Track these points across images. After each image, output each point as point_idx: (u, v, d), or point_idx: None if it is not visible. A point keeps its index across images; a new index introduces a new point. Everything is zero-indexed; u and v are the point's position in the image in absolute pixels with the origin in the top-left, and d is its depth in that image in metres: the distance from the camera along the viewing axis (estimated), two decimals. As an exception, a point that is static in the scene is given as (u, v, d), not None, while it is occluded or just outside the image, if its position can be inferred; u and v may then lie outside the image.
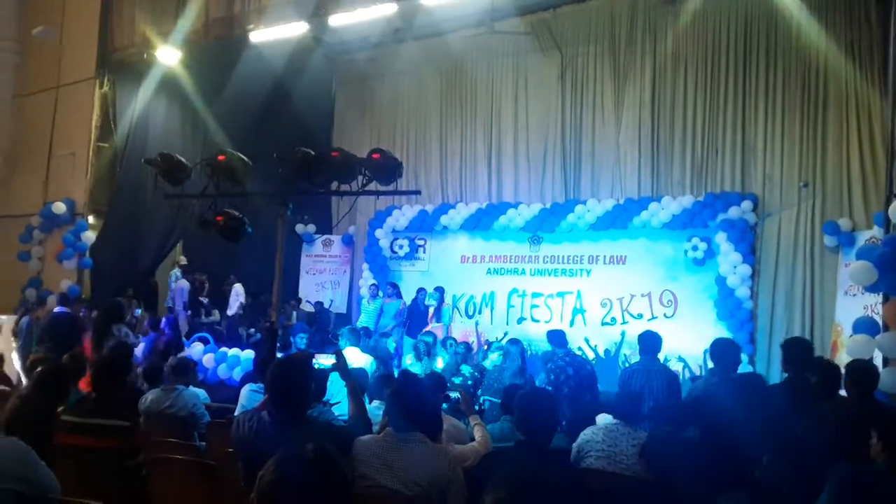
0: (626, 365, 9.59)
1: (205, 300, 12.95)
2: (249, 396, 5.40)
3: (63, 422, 3.93)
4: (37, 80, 13.00)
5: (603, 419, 4.86)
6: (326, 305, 12.93)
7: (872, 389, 4.71)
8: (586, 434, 4.44)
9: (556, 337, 7.14)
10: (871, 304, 7.79)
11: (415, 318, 11.03)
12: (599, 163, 11.40)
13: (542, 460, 3.36)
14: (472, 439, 4.43)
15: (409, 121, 13.23)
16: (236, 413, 5.39)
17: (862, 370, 4.76)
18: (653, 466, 3.63)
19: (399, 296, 11.41)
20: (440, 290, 11.26)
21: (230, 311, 12.70)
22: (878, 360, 6.89)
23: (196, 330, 11.79)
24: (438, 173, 12.87)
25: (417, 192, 10.80)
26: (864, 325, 7.20)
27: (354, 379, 4.04)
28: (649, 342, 6.21)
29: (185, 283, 12.74)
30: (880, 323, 7.00)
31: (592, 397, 6.58)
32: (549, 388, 6.60)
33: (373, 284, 12.08)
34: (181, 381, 5.51)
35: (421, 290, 11.32)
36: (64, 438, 3.84)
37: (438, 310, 11.05)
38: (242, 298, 12.76)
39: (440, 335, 10.07)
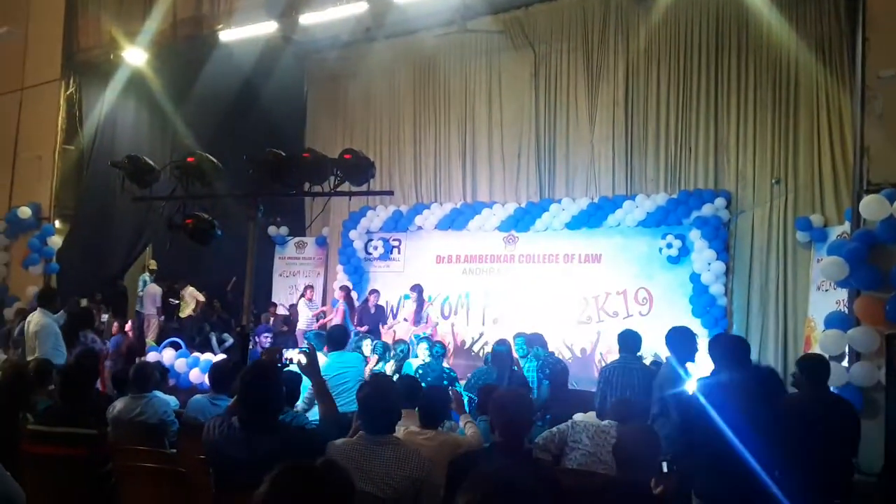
0: (603, 363, 9.63)
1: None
2: (204, 409, 5.25)
3: (30, 431, 3.86)
4: (0, 81, 12.72)
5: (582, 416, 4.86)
6: (301, 308, 12.79)
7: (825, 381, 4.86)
8: (577, 425, 4.45)
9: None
10: (843, 299, 7.85)
11: (366, 319, 10.90)
12: (574, 161, 11.40)
13: (517, 462, 3.33)
14: None
15: (382, 120, 13.14)
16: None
17: (815, 362, 4.91)
18: (622, 464, 3.62)
19: (349, 298, 11.33)
20: (417, 289, 11.10)
21: (182, 314, 12.64)
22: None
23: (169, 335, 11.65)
24: (412, 173, 12.79)
25: (390, 193, 10.72)
26: (836, 320, 7.26)
27: (323, 378, 3.97)
28: (629, 340, 6.28)
29: (156, 288, 12.61)
30: (850, 317, 7.07)
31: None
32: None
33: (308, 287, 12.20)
34: (145, 388, 5.36)
35: (374, 293, 11.29)
36: (31, 447, 3.79)
37: (419, 309, 10.91)
38: (195, 302, 12.75)
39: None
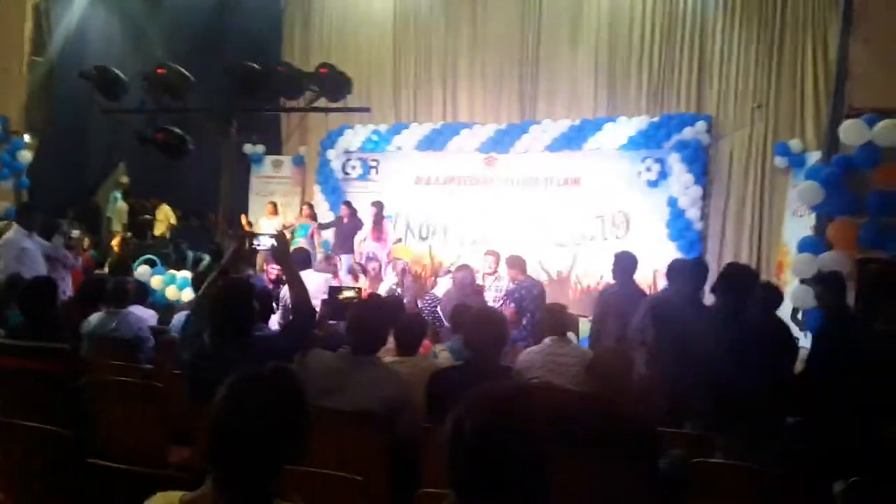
0: (579, 286, 9.81)
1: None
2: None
3: (2, 345, 3.84)
4: (-37, -10, 12.19)
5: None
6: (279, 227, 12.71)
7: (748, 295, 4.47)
8: (524, 358, 4.52)
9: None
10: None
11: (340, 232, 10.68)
12: (556, 82, 11.26)
13: (492, 378, 3.38)
14: None
15: (361, 37, 12.77)
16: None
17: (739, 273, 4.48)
18: (599, 382, 3.68)
19: (313, 217, 11.17)
20: (378, 205, 10.43)
21: (157, 232, 12.57)
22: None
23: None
24: (391, 93, 12.54)
25: (367, 110, 10.49)
26: (809, 245, 7.28)
27: (294, 264, 3.92)
28: (627, 263, 5.90)
29: (124, 206, 12.50)
30: (821, 241, 7.12)
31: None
32: None
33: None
34: (122, 304, 5.35)
35: (346, 203, 10.89)
36: (4, 361, 3.76)
37: (379, 225, 10.57)
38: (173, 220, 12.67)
39: (381, 253, 9.90)
